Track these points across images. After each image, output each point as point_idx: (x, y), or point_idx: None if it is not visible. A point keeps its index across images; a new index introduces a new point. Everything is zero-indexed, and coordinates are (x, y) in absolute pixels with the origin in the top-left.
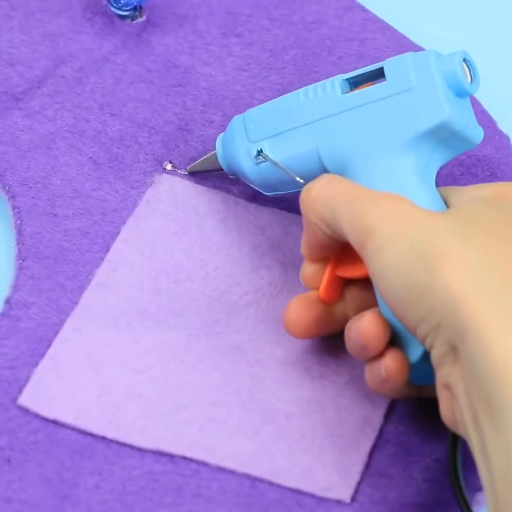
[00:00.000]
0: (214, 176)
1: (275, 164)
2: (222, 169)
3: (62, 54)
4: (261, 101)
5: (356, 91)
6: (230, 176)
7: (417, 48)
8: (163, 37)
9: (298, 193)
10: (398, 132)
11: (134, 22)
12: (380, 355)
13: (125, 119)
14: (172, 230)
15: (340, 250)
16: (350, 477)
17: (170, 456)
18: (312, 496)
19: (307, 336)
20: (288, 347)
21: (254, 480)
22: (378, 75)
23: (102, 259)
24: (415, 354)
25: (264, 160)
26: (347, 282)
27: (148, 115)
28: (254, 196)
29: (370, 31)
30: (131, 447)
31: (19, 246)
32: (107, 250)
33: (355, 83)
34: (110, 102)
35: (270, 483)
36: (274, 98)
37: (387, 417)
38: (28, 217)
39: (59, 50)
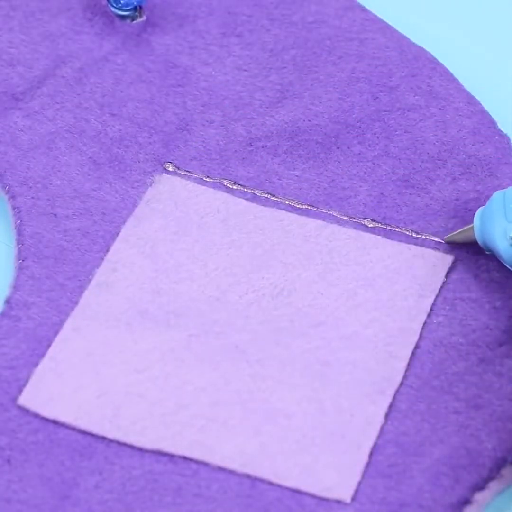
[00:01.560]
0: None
1: None
2: (477, 243)
3: (62, 54)
4: (261, 101)
5: None
6: (486, 252)
7: (417, 48)
8: (163, 37)
9: None
10: None
11: (134, 22)
12: None
13: (125, 119)
14: (172, 230)
15: None
16: (350, 477)
17: (170, 456)
18: (312, 496)
19: None
20: (288, 347)
21: (254, 480)
22: None
23: (102, 259)
24: None
25: None
26: None
27: (148, 115)
28: (254, 196)
29: (370, 31)
30: (131, 447)
31: (19, 246)
32: (107, 250)
33: None
34: (110, 102)
35: (270, 483)
36: (274, 98)
37: (387, 417)
38: (28, 217)
39: (59, 50)
